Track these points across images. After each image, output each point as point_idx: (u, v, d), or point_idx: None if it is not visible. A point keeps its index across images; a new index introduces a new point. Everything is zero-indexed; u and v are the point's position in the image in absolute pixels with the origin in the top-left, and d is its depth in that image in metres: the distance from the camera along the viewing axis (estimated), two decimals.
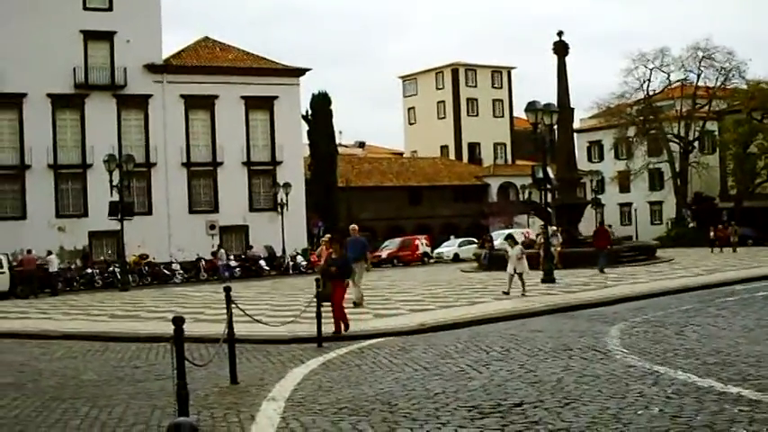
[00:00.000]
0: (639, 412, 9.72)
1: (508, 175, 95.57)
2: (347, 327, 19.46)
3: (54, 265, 48.44)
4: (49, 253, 50.32)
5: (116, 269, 52.53)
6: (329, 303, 19.12)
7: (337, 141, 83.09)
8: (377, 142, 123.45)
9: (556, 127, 41.71)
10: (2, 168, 63.15)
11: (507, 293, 27.41)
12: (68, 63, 64.10)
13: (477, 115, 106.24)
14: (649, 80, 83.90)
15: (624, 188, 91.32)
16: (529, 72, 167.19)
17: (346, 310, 20.49)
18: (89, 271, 54.48)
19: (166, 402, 11.75)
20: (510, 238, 30.66)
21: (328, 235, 28.93)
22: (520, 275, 27.73)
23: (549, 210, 45.31)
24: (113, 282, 51.31)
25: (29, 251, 49.81)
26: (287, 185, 63.82)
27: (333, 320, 19.13)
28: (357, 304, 24.94)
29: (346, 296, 22.60)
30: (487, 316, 21.61)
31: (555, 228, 44.13)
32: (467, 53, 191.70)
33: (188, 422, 4.30)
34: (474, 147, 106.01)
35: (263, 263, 59.91)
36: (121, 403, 12.13)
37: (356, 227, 27.84)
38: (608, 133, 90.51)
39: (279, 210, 63.35)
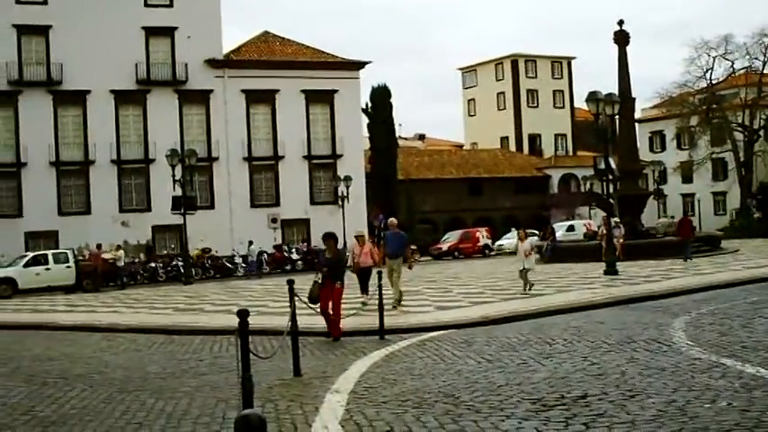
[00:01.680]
0: (706, 405, 9.58)
1: (569, 167, 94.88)
2: (338, 336, 18.00)
3: (122, 259, 49.10)
4: (119, 248, 50.97)
5: (179, 263, 53.16)
6: (317, 306, 17.65)
7: (397, 134, 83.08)
8: (437, 134, 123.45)
9: (617, 117, 41.33)
10: (67, 164, 64.10)
11: (530, 289, 26.30)
12: (130, 59, 64.85)
13: (537, 106, 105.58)
14: (712, 68, 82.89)
15: (687, 178, 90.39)
16: (589, 62, 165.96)
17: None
18: (152, 265, 55.12)
19: (230, 395, 11.85)
20: (521, 232, 28.98)
21: (361, 230, 27.41)
22: (527, 271, 26.53)
23: (611, 201, 44.98)
24: (176, 275, 51.89)
25: (98, 246, 50.50)
26: (347, 179, 63.94)
27: (332, 324, 17.99)
28: (395, 306, 23.05)
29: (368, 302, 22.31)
30: (549, 308, 21.48)
31: (617, 219, 43.75)
32: (526, 44, 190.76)
33: (256, 414, 4.32)
34: (534, 138, 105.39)
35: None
36: (186, 396, 12.24)
37: (395, 221, 26.06)
38: (670, 123, 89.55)
39: (339, 203, 63.54)
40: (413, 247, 25.00)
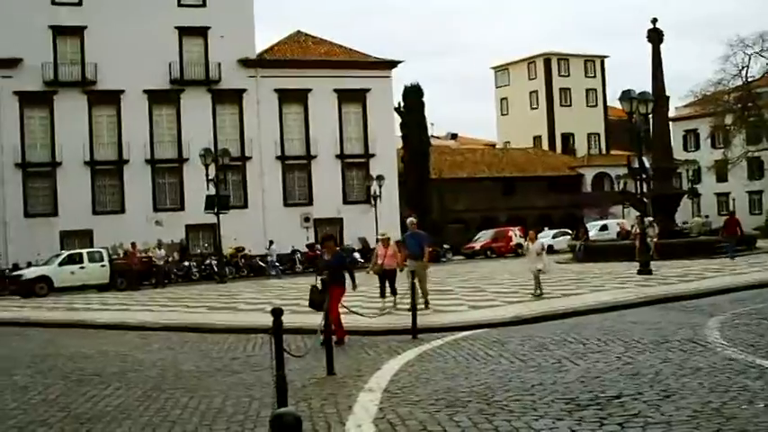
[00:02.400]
0: (743, 407, 9.51)
1: (602, 166, 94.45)
2: (342, 337, 17.19)
3: (160, 258, 49.36)
4: (159, 246, 51.27)
5: (213, 262, 53.36)
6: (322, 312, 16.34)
7: (430, 133, 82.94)
8: (469, 133, 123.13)
9: (651, 116, 41.06)
10: (101, 164, 64.58)
11: (540, 295, 24.70)
12: (164, 59, 65.22)
13: (570, 105, 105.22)
14: (748, 66, 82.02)
15: (721, 178, 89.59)
16: (622, 61, 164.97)
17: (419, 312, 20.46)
18: (186, 264, 55.36)
19: (264, 393, 11.89)
20: (531, 232, 27.73)
21: (384, 231, 25.58)
22: (538, 273, 25.27)
23: (645, 200, 44.74)
24: (210, 274, 52.08)
25: (133, 244, 50.80)
26: (380, 178, 63.99)
27: (335, 328, 16.50)
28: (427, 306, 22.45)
29: (419, 300, 21.64)
30: (583, 307, 21.39)
31: (651, 218, 43.50)
32: (559, 42, 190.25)
33: (291, 412, 4.34)
34: (567, 137, 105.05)
35: (357, 255, 60.17)
36: (220, 394, 12.30)
37: (414, 220, 24.91)
38: (704, 122, 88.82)
39: (372, 202, 63.60)
40: (429, 249, 23.63)
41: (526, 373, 12.46)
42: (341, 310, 17.15)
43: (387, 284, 23.78)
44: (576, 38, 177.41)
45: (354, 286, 18.06)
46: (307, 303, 17.60)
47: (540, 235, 70.55)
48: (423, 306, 21.66)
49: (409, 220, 25.27)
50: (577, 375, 12.02)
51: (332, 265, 17.81)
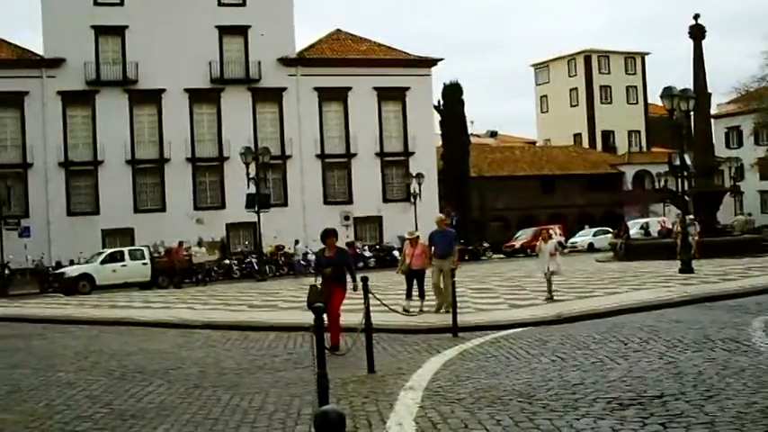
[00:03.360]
0: None
1: (643, 163, 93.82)
2: (336, 345, 16.05)
3: (202, 256, 49.59)
4: (199, 244, 51.60)
5: (253, 260, 53.55)
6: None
7: (469, 131, 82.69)
8: (509, 131, 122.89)
9: (692, 113, 40.72)
10: (143, 163, 65.10)
11: (552, 298, 23.51)
12: (204, 58, 65.61)
13: (610, 102, 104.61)
14: None
15: (765, 175, 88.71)
16: (663, 57, 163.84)
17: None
18: (227, 262, 55.60)
19: (305, 391, 11.94)
20: (544, 231, 26.46)
21: (413, 230, 24.16)
22: (551, 275, 24.06)
23: (686, 198, 44.40)
24: (250, 272, 52.29)
25: (180, 243, 51.11)
26: (420, 176, 63.97)
27: (332, 331, 16.10)
28: (439, 310, 21.51)
29: (412, 310, 21.23)
30: (624, 306, 21.26)
31: (692, 216, 43.14)
32: (599, 39, 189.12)
33: (335, 410, 4.35)
34: (608, 134, 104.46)
35: (396, 253, 60.16)
36: (261, 392, 12.36)
37: (444, 217, 24.39)
38: (747, 118, 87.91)
39: (412, 200, 63.57)
40: (459, 247, 22.72)
41: (567, 372, 12.42)
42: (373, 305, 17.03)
43: (414, 285, 22.37)
44: (616, 35, 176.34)
45: (356, 287, 16.37)
46: (348, 301, 17.51)
47: (580, 233, 71.06)
48: (444, 309, 21.05)
49: (438, 216, 24.55)
50: (619, 374, 11.95)
51: (334, 262, 16.83)
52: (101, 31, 64.67)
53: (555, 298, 23.44)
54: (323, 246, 17.14)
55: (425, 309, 21.56)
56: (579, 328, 17.94)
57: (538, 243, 25.48)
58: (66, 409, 11.76)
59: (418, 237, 22.86)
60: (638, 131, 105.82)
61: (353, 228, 67.39)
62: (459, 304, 18.57)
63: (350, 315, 17.94)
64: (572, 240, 70.69)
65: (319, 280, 16.59)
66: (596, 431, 8.83)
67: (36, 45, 65.81)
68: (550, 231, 26.87)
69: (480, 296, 25.56)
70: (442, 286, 21.71)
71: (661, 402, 9.93)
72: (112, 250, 49.14)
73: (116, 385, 13.55)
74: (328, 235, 17.03)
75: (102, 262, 46.44)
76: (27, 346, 20.51)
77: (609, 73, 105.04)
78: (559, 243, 65.18)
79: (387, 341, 17.21)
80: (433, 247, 22.36)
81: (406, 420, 9.83)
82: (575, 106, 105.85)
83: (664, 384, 11.03)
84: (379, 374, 13.25)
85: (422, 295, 22.25)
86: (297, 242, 57.19)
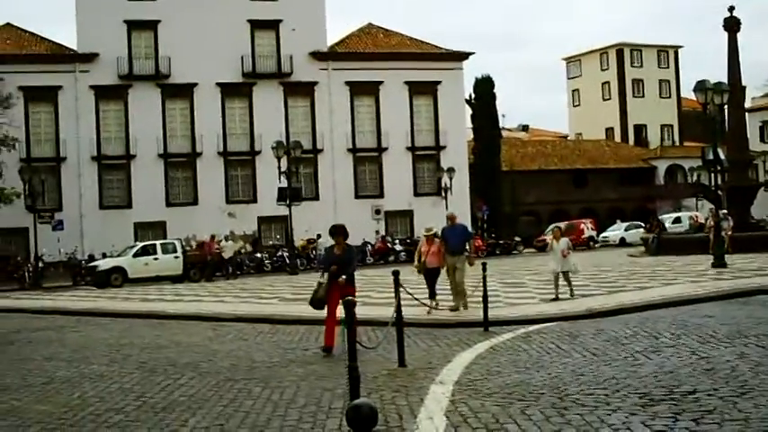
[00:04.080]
0: None
1: (676, 158, 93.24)
2: (330, 345, 15.57)
3: (230, 249, 49.75)
4: (226, 239, 51.81)
5: (284, 253, 53.67)
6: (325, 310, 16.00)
7: (501, 125, 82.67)
8: (540, 125, 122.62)
9: (726, 106, 40.40)
10: (175, 156, 65.41)
11: (557, 298, 22.56)
12: (236, 52, 65.80)
13: (642, 96, 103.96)
14: None
15: None
16: (697, 51, 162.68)
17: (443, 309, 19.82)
18: (258, 255, 55.75)
19: (336, 384, 11.96)
20: (556, 230, 24.85)
21: (430, 226, 22.37)
22: (565, 274, 23.20)
23: (719, 192, 44.09)
24: (282, 266, 52.42)
25: (212, 236, 51.31)
26: (451, 170, 63.92)
27: (325, 331, 15.84)
28: (454, 309, 20.80)
29: (441, 306, 20.46)
30: (656, 301, 21.14)
31: (725, 211, 42.82)
32: (631, 33, 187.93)
33: (367, 403, 4.37)
34: (640, 128, 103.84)
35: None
36: (292, 385, 12.39)
37: (454, 214, 23.14)
38: None
39: (443, 194, 63.52)
40: (477, 242, 21.46)
41: (599, 367, 12.37)
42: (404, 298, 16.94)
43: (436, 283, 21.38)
44: (649, 28, 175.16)
45: (348, 276, 15.90)
46: (378, 295, 17.56)
47: (611, 228, 70.69)
48: (459, 307, 20.73)
49: (449, 213, 23.57)
50: (651, 370, 11.89)
51: (343, 261, 15.96)
52: (133, 25, 65.03)
53: (560, 297, 22.53)
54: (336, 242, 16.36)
55: (440, 307, 20.49)
56: (610, 322, 17.84)
57: (549, 241, 24.66)
58: (98, 401, 11.84)
59: (435, 234, 21.80)
60: (671, 125, 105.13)
61: (384, 222, 67.41)
62: (489, 299, 18.53)
63: (381, 309, 17.99)
64: (603, 235, 70.47)
65: (326, 277, 15.92)
66: (628, 426, 8.78)
67: (70, 40, 66.48)
68: (566, 227, 24.84)
69: (511, 290, 25.50)
70: (456, 283, 21.11)
71: (693, 398, 9.86)
72: (145, 243, 49.35)
73: (148, 378, 13.63)
74: (338, 232, 16.23)
75: (135, 255, 46.67)
76: (61, 339, 20.67)
77: (641, 66, 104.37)
78: (592, 237, 64.95)
79: (417, 335, 17.19)
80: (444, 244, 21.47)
81: (436, 414, 9.83)
82: (607, 100, 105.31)
83: (696, 380, 10.96)
84: (410, 368, 13.23)
85: (431, 295, 20.99)
86: (319, 236, 57.13)
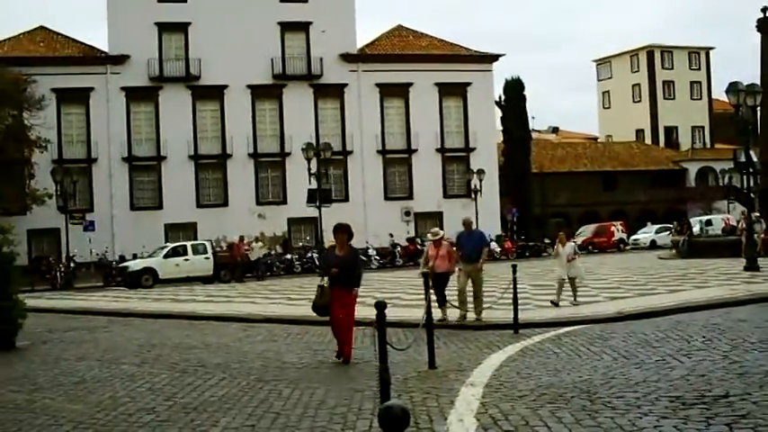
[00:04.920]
0: None
1: (707, 160, 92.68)
2: (348, 357, 14.65)
3: (257, 251, 49.86)
4: (256, 240, 51.86)
5: (314, 255, 53.71)
6: (327, 318, 15.18)
7: (531, 127, 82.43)
8: (571, 127, 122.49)
9: (759, 108, 40.15)
10: (206, 158, 65.66)
11: (557, 304, 21.63)
12: (266, 54, 65.96)
13: (673, 98, 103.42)
14: None
15: None
16: (729, 52, 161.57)
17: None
18: (288, 257, 55.84)
19: (366, 386, 11.98)
20: (561, 234, 23.74)
21: (437, 229, 21.11)
22: (572, 281, 22.49)
23: (752, 195, 43.81)
24: (311, 267, 52.45)
25: (241, 238, 51.48)
26: (480, 172, 63.82)
27: (337, 342, 15.00)
28: (462, 319, 19.67)
29: (450, 315, 19.50)
30: (688, 304, 21.03)
31: (758, 214, 42.52)
32: (662, 34, 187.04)
33: (400, 405, 4.36)
34: (671, 130, 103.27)
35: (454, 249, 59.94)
36: (322, 386, 12.41)
37: (470, 219, 21.91)
38: None
39: (473, 196, 63.45)
40: (492, 246, 20.01)
41: (629, 370, 12.31)
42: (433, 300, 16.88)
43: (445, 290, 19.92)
44: (680, 30, 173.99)
45: (355, 293, 15.04)
46: (408, 297, 17.50)
47: (642, 230, 70.30)
48: (475, 317, 19.69)
49: (465, 218, 22.09)
50: (682, 373, 11.82)
51: (345, 263, 14.83)
52: (164, 27, 65.35)
53: (560, 304, 21.69)
54: (349, 242, 15.39)
55: (450, 318, 19.61)
56: (641, 325, 17.76)
57: (555, 246, 23.78)
58: (129, 401, 11.91)
59: (442, 236, 20.56)
60: (702, 127, 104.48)
61: (414, 223, 67.38)
62: (519, 301, 18.49)
63: (411, 310, 17.99)
64: (634, 237, 70.16)
65: (326, 281, 14.99)
66: (660, 430, 8.74)
67: (101, 42, 66.78)
68: (570, 233, 23.04)
69: (541, 293, 25.43)
70: (469, 292, 19.85)
71: (726, 402, 9.79)
72: (175, 244, 49.55)
73: (178, 378, 13.69)
74: (339, 231, 15.10)
75: (165, 256, 46.87)
76: (92, 339, 20.80)
77: (672, 68, 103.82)
78: (622, 239, 64.56)
79: (447, 337, 17.19)
80: (459, 251, 20.40)
81: (466, 416, 9.82)
82: (637, 102, 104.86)
83: (728, 384, 10.87)
84: (440, 370, 13.24)
85: (442, 302, 19.55)
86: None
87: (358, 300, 15.25)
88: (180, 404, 11.49)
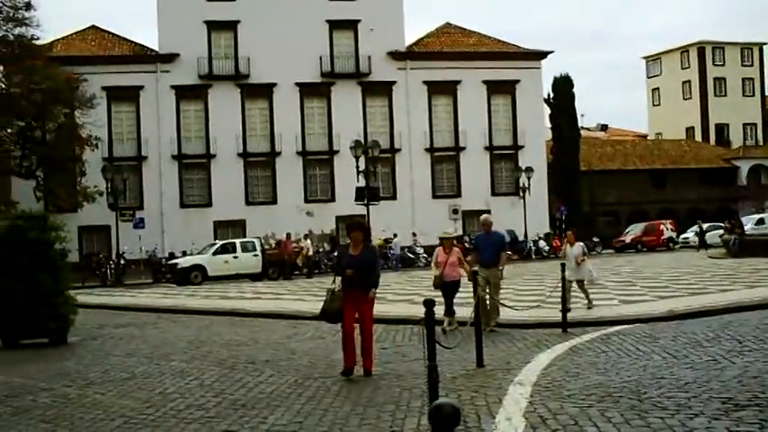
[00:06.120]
0: None
1: (759, 157, 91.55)
2: (370, 369, 13.27)
3: (309, 248, 50.03)
4: (306, 237, 52.01)
5: None
6: (339, 324, 13.63)
7: (579, 124, 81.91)
8: (620, 124, 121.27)
9: None
10: (254, 156, 65.98)
11: (568, 310, 18.45)
12: (315, 52, 66.15)
13: (725, 95, 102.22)
14: None
15: None
16: None
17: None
18: (336, 254, 55.84)
19: (414, 384, 11.98)
20: (569, 234, 22.61)
21: (449, 231, 20.08)
22: (579, 283, 21.21)
23: None
24: None
25: (288, 235, 51.68)
26: (529, 170, 63.60)
27: (343, 355, 13.46)
28: (486, 328, 16.36)
29: (458, 325, 17.38)
30: (739, 304, 20.76)
31: None
32: (713, 30, 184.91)
33: (450, 403, 4.35)
34: (722, 128, 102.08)
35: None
36: (370, 383, 12.47)
37: (490, 218, 19.60)
38: None
39: (521, 194, 63.23)
40: (508, 252, 18.62)
41: (679, 370, 12.18)
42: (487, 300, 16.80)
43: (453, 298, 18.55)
44: (732, 25, 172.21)
45: (373, 294, 13.63)
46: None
47: (691, 229, 69.61)
48: (489, 328, 17.44)
49: (483, 217, 20.02)
50: (734, 374, 11.67)
51: (360, 263, 13.39)
52: (213, 26, 65.76)
53: (572, 308, 19.40)
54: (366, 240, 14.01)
55: (454, 328, 17.67)
56: (691, 325, 17.56)
57: (563, 246, 22.80)
58: (179, 397, 12.00)
59: (454, 238, 19.13)
60: (755, 124, 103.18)
61: (462, 221, 67.25)
62: (567, 300, 18.38)
63: (460, 309, 17.94)
64: (683, 236, 69.49)
65: (338, 283, 13.57)
66: None
67: (151, 41, 67.43)
68: (575, 234, 21.39)
69: (590, 292, 25.25)
70: (487, 300, 17.90)
71: None
72: (224, 242, 49.87)
73: (227, 375, 13.78)
74: (353, 228, 13.75)
75: (215, 253, 47.17)
76: (142, 335, 21.00)
77: (723, 65, 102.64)
78: (672, 238, 63.95)
79: (496, 335, 17.14)
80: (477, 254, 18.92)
81: (515, 415, 9.78)
82: (687, 99, 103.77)
83: None
84: (489, 369, 13.20)
85: (449, 312, 18.21)
86: (395, 236, 57.09)
87: (405, 298, 15.17)
88: (229, 400, 11.56)
